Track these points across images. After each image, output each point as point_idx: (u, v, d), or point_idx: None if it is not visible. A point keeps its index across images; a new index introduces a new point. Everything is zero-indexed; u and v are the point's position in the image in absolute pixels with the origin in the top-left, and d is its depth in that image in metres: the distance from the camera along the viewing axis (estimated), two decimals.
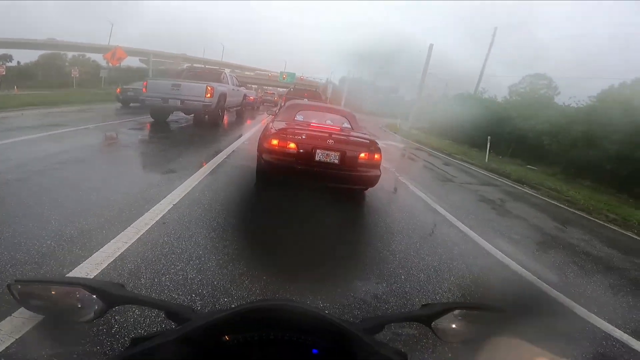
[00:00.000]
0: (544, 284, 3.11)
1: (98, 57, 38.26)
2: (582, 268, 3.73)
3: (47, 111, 10.49)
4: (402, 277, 2.78)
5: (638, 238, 5.45)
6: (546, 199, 7.53)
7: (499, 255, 3.63)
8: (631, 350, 2.34)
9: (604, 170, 9.99)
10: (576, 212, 6.75)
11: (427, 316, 0.63)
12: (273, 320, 0.57)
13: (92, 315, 0.59)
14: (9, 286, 0.59)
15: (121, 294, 0.60)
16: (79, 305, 0.59)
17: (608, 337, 2.45)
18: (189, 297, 2.08)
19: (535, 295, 2.94)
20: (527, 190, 8.27)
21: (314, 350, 0.63)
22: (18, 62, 41.04)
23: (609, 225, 6.02)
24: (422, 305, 0.68)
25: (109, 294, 0.59)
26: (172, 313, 0.61)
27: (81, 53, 44.40)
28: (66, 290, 0.61)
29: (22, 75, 31.83)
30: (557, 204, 7.19)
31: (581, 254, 4.16)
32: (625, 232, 5.74)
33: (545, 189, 8.34)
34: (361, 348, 0.54)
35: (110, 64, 23.27)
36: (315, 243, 3.04)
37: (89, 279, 0.63)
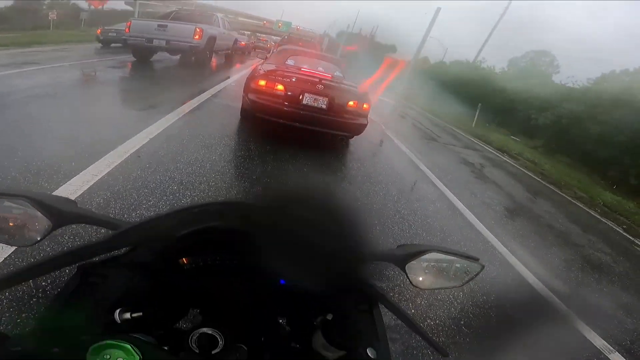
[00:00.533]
0: (505, 249, 3.20)
1: (79, 2, 34.93)
2: (543, 238, 3.85)
3: (18, 51, 9.64)
4: (377, 228, 2.82)
5: (599, 218, 5.63)
6: (522, 169, 7.71)
7: (470, 217, 3.73)
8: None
9: (583, 149, 10.20)
10: (548, 185, 6.94)
11: (402, 257, 0.61)
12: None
13: (36, 235, 0.51)
14: None
15: (72, 211, 0.53)
16: (21, 223, 0.50)
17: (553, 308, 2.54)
18: None
19: (495, 260, 3.03)
20: (506, 158, 8.45)
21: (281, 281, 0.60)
22: None
23: (575, 202, 6.20)
24: (398, 245, 0.66)
25: (58, 210, 0.51)
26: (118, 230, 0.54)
27: None
28: (4, 204, 0.51)
29: None
30: (532, 175, 7.38)
31: (544, 226, 4.29)
32: (588, 210, 5.90)
33: (523, 160, 8.56)
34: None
35: (91, 6, 21.15)
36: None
37: (35, 192, 0.53)
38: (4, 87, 4.63)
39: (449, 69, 21.92)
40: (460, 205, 3.97)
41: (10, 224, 0.51)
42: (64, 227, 0.53)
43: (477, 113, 12.48)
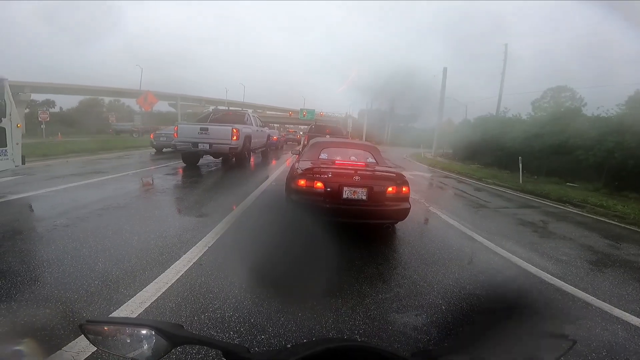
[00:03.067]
0: (604, 303, 2.90)
1: (131, 102, 41.37)
2: None
3: (88, 158, 11.41)
4: (443, 307, 2.67)
5: None
6: (593, 216, 7.11)
7: (549, 278, 3.42)
8: None
9: None
10: (627, 226, 6.32)
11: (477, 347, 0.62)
12: None
13: (156, 354, 0.63)
14: (80, 326, 0.65)
15: (183, 334, 0.65)
16: (145, 345, 0.64)
17: None
18: (227, 334, 2.10)
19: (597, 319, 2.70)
20: (570, 209, 7.84)
21: None
22: (60, 108, 45.22)
23: None
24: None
25: (172, 334, 0.64)
26: (229, 352, 0.64)
27: (116, 98, 48.30)
28: (133, 330, 0.65)
29: (64, 121, 34.38)
30: (606, 220, 6.76)
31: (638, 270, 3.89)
32: None
33: (590, 206, 7.87)
34: None
35: (143, 109, 24.85)
36: (350, 280, 3.01)
37: (154, 320, 0.68)
38: (80, 198, 5.34)
39: (474, 126, 22.00)
40: (532, 268, 3.65)
41: (138, 345, 0.64)
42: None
43: (520, 167, 11.99)
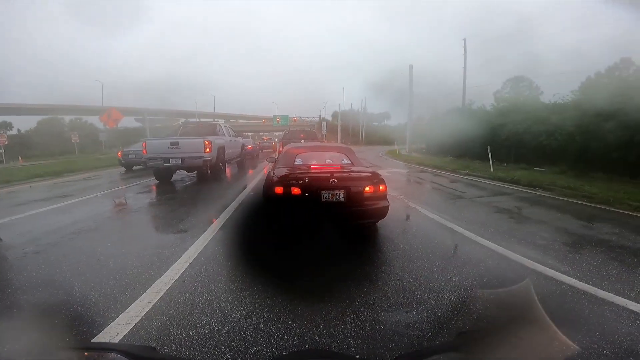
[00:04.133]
0: (587, 285, 2.96)
1: (94, 120, 39.54)
2: (622, 263, 3.55)
3: (53, 182, 10.90)
4: (432, 302, 2.69)
5: None
6: (563, 198, 7.39)
7: (532, 264, 3.48)
8: None
9: (612, 159, 9.84)
10: (597, 206, 6.57)
11: (465, 345, 0.61)
12: None
13: None
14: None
15: (153, 357, 0.61)
16: None
17: None
18: (218, 350, 2.03)
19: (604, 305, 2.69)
20: (540, 192, 8.15)
21: None
22: (18, 130, 42.46)
23: (636, 214, 5.82)
24: (459, 333, 0.66)
25: (143, 358, 0.59)
26: None
27: (78, 116, 45.94)
28: (100, 355, 0.61)
29: (24, 144, 32.68)
30: (576, 201, 7.03)
31: (616, 248, 4.01)
32: None
33: (559, 188, 8.17)
34: None
35: (107, 126, 23.81)
36: (336, 284, 2.99)
37: (121, 343, 0.63)
38: (49, 224, 5.11)
39: (443, 120, 22.61)
40: (515, 256, 3.72)
41: None
42: None
43: (490, 156, 12.46)
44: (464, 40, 25.27)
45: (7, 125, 41.25)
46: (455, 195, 7.96)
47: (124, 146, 15.85)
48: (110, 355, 0.60)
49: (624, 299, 2.69)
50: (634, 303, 2.62)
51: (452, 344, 0.64)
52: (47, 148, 32.01)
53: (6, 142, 21.56)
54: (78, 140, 27.05)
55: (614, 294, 2.78)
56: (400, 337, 2.20)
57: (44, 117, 44.30)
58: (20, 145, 30.59)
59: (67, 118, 46.32)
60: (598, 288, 2.90)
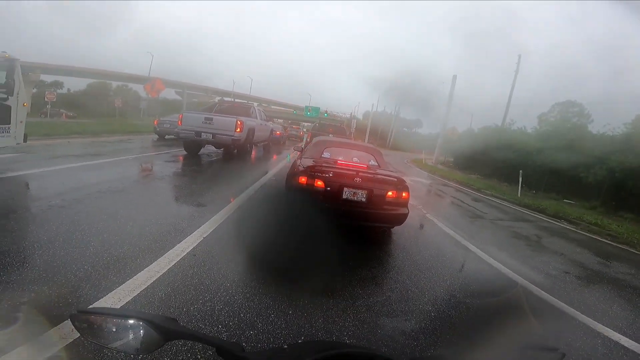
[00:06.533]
0: (587, 318, 2.95)
1: (139, 88, 41.43)
2: (629, 301, 3.55)
3: (91, 140, 11.39)
4: (432, 314, 2.69)
5: None
6: (586, 234, 7.15)
7: (540, 293, 3.42)
8: None
9: None
10: (619, 245, 6.42)
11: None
12: None
13: (147, 348, 0.62)
14: (71, 316, 0.63)
15: (176, 329, 0.63)
16: (136, 338, 0.62)
17: None
18: (215, 328, 2.09)
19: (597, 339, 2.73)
20: (564, 225, 7.87)
21: None
22: (68, 90, 45.32)
23: None
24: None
25: (165, 329, 0.62)
26: (223, 350, 0.62)
27: (124, 83, 48.38)
28: (124, 322, 0.63)
29: (71, 103, 34.86)
30: (599, 239, 6.83)
31: (627, 288, 3.99)
32: None
33: (585, 224, 7.92)
34: None
35: (149, 95, 24.78)
36: (342, 281, 3.01)
37: (146, 312, 0.66)
38: (78, 180, 5.33)
39: (478, 136, 21.95)
40: (522, 281, 3.66)
41: (129, 338, 0.62)
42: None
43: (520, 180, 11.99)
44: (519, 56, 24.33)
45: (59, 84, 43.72)
46: (475, 215, 7.78)
47: (160, 115, 16.52)
48: (132, 322, 0.62)
49: (619, 335, 2.77)
50: (627, 339, 2.71)
51: (453, 355, 0.65)
52: (91, 109, 33.63)
53: (54, 99, 22.82)
54: (120, 105, 28.31)
55: (612, 329, 2.82)
56: (394, 343, 2.21)
57: (95, 80, 46.63)
58: (68, 104, 32.29)
59: (115, 84, 48.69)
60: (598, 322, 2.93)
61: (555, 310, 3.10)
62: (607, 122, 14.78)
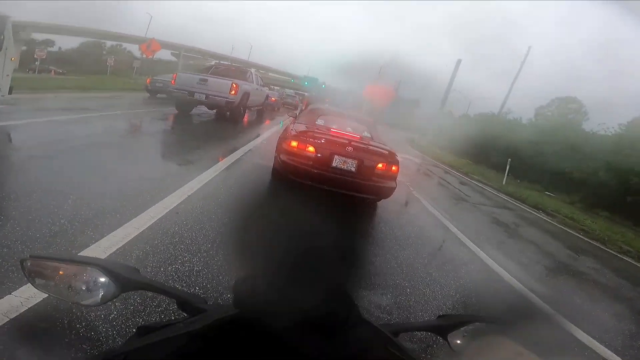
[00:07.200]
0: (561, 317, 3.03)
1: (133, 48, 39.71)
2: (589, 294, 3.74)
3: (79, 95, 10.94)
4: (408, 290, 2.76)
5: None
6: (561, 227, 7.39)
7: (508, 278, 3.55)
8: None
9: (624, 202, 9.71)
10: (590, 241, 6.67)
11: (444, 327, 0.62)
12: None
13: (102, 298, 0.57)
14: (21, 261, 0.57)
15: (135, 279, 0.59)
16: (90, 287, 0.57)
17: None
18: (191, 289, 2.08)
19: (543, 319, 2.87)
20: (542, 216, 8.11)
21: None
22: (59, 48, 43.33)
23: (622, 257, 5.99)
24: (439, 315, 0.67)
25: (123, 278, 0.57)
26: (185, 302, 0.59)
27: (119, 43, 46.20)
28: (79, 269, 0.58)
29: (62, 60, 33.55)
30: (572, 232, 7.09)
31: (589, 282, 4.18)
32: (637, 264, 5.70)
33: (561, 217, 8.18)
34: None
35: (144, 55, 23.98)
36: (322, 250, 3.03)
37: (104, 259, 0.61)
38: (62, 132, 5.16)
39: (473, 122, 22.00)
40: (496, 267, 3.78)
41: (82, 286, 0.57)
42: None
43: (507, 169, 12.17)
44: (529, 47, 23.97)
45: (49, 43, 41.57)
46: (460, 197, 7.91)
47: (153, 75, 16.10)
48: (88, 269, 0.57)
49: (573, 325, 2.81)
50: (576, 328, 2.78)
51: (431, 325, 0.66)
52: (83, 67, 32.49)
53: (44, 57, 21.85)
54: (112, 64, 27.31)
55: (565, 318, 2.87)
56: (369, 316, 2.27)
57: (88, 39, 44.37)
58: (58, 61, 31.16)
59: (109, 43, 46.35)
60: (552, 308, 3.00)
61: (521, 297, 3.20)
62: (603, 122, 14.93)
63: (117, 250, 2.29)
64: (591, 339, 2.67)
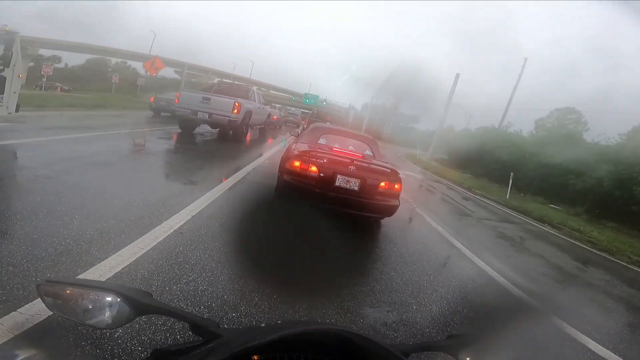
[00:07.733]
0: (567, 325, 2.98)
1: (137, 65, 40.84)
2: (601, 306, 3.71)
3: (84, 113, 11.12)
4: (414, 307, 2.72)
5: None
6: (567, 239, 7.33)
7: (515, 291, 3.52)
8: None
9: (630, 212, 9.62)
10: (598, 252, 6.61)
11: (454, 347, 0.62)
12: (308, 344, 0.55)
13: (117, 322, 0.59)
14: (38, 286, 0.59)
15: (149, 303, 0.60)
16: (106, 311, 0.59)
17: None
18: (197, 309, 2.08)
19: (556, 334, 2.81)
20: (548, 229, 8.04)
21: None
22: (66, 64, 44.49)
23: (632, 267, 5.93)
24: (449, 335, 0.67)
25: (138, 302, 0.59)
26: (198, 326, 0.60)
27: (124, 60, 47.43)
28: (94, 293, 0.60)
29: (67, 77, 34.54)
30: (579, 244, 7.02)
31: (601, 293, 4.13)
32: None
33: (567, 229, 8.12)
34: None
35: (148, 73, 24.49)
36: (329, 268, 3.01)
37: (119, 285, 0.62)
38: (67, 151, 5.20)
39: (474, 136, 22.07)
40: (503, 281, 3.73)
41: (98, 310, 0.59)
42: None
43: (510, 182, 12.13)
44: (525, 60, 24.05)
45: (56, 59, 42.77)
46: (464, 212, 7.86)
47: (157, 93, 16.35)
48: (103, 293, 0.59)
49: (584, 336, 2.85)
50: (587, 339, 2.81)
51: (442, 345, 0.65)
52: (88, 84, 33.28)
53: (51, 73, 22.40)
54: (117, 81, 27.91)
55: (577, 330, 2.90)
56: (375, 334, 2.24)
57: (94, 56, 45.67)
58: (64, 78, 31.91)
59: (114, 61, 47.59)
60: (565, 322, 2.96)
61: (530, 309, 3.15)
62: (602, 132, 14.97)
63: (121, 269, 2.30)
64: (609, 351, 2.66)
